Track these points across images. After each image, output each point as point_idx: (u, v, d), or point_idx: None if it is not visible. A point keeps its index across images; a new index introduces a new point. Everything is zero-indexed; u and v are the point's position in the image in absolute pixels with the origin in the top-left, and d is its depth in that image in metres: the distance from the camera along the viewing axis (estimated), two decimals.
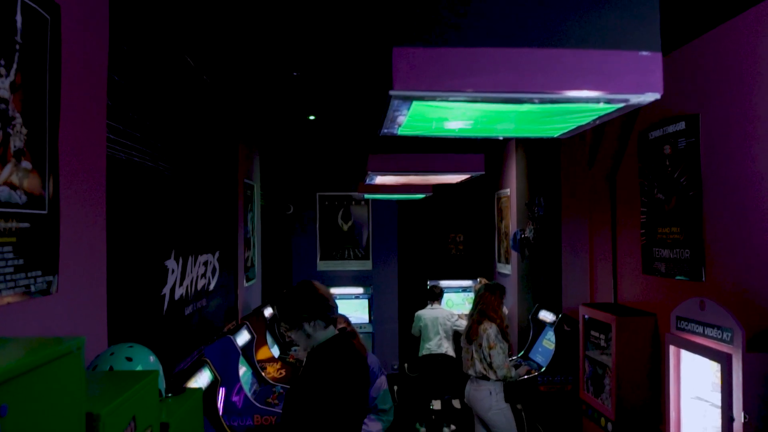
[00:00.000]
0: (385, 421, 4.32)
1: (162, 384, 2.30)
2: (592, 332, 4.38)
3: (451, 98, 1.64)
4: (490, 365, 4.92)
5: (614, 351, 3.99)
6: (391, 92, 1.62)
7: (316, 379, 2.88)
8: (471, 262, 8.58)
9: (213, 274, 4.67)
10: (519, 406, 5.38)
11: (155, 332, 3.30)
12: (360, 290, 8.23)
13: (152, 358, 2.27)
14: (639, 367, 3.98)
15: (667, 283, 3.91)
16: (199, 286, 4.28)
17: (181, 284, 3.78)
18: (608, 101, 1.72)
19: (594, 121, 2.03)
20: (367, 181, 4.65)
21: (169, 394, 2.32)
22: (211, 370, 3.59)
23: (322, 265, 8.48)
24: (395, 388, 8.42)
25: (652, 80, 1.68)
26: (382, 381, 4.35)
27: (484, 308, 5.05)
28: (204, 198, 4.47)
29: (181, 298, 3.80)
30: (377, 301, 8.47)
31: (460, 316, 7.40)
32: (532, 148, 6.81)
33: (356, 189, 6.81)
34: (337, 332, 3.05)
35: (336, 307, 3.11)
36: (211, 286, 4.62)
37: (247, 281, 6.23)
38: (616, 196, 4.70)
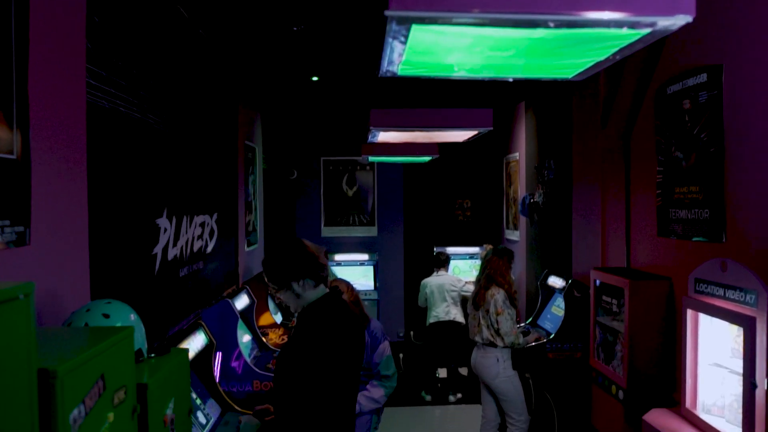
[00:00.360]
0: (388, 387, 4.19)
1: (143, 344, 2.14)
2: (604, 297, 4.21)
3: (454, 20, 1.44)
4: (497, 332, 4.78)
5: (627, 316, 3.82)
6: (387, 12, 1.43)
7: (305, 340, 2.73)
8: (478, 229, 8.41)
9: (211, 237, 4.52)
10: (527, 376, 5.24)
11: (146, 292, 3.15)
12: (365, 257, 8.08)
13: (133, 316, 2.11)
14: (652, 333, 3.81)
15: (683, 245, 3.72)
16: (196, 248, 4.12)
17: (174, 245, 3.62)
18: (632, 25, 1.52)
19: (614, 55, 1.82)
20: (370, 139, 4.45)
21: (152, 355, 2.17)
22: (206, 333, 3.45)
23: (327, 231, 8.33)
24: (400, 356, 8.31)
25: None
26: (385, 346, 4.20)
27: (491, 273, 4.89)
28: (200, 157, 4.30)
29: (175, 258, 3.64)
30: (383, 268, 8.33)
31: (467, 283, 7.25)
32: (542, 108, 6.58)
33: (360, 152, 6.62)
34: (328, 291, 2.90)
35: (326, 265, 2.95)
36: (209, 249, 4.47)
37: (248, 246, 6.08)
38: (630, 157, 4.49)
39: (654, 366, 3.81)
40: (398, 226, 8.50)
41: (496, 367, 4.84)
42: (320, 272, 2.87)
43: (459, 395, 7.39)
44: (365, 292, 7.78)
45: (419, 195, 8.61)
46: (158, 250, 3.33)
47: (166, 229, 3.45)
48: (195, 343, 3.26)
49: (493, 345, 4.83)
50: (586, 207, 5.31)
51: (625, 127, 4.54)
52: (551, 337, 5.06)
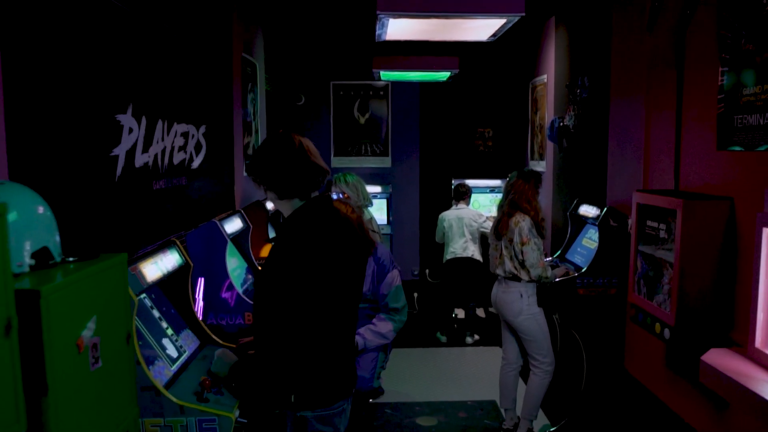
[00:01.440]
0: (398, 321, 3.67)
1: (52, 242, 1.61)
2: (649, 223, 3.63)
3: None
4: (521, 264, 4.23)
5: (678, 243, 3.24)
6: None
7: (284, 252, 2.21)
8: (500, 160, 7.78)
9: (197, 151, 3.96)
10: (556, 317, 4.70)
11: (101, 200, 2.61)
12: (378, 189, 7.52)
13: (42, 208, 1.58)
14: (708, 263, 3.23)
15: (750, 158, 3.11)
16: (177, 160, 3.58)
17: (145, 150, 3.07)
18: None
19: None
20: (378, 32, 3.82)
21: (70, 258, 1.64)
22: (181, 253, 2.92)
23: (337, 162, 7.75)
24: (415, 295, 7.83)
25: None
26: (394, 276, 3.67)
27: (515, 198, 4.31)
28: (180, 59, 3.70)
29: (146, 167, 3.10)
30: (396, 202, 7.77)
31: (488, 218, 6.69)
32: (576, 21, 5.88)
33: (372, 75, 5.99)
34: (318, 195, 2.38)
35: (324, 169, 2.43)
36: (195, 164, 3.92)
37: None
38: (684, 61, 3.83)
39: (708, 301, 3.24)
40: (414, 156, 7.90)
41: (520, 303, 4.31)
42: (313, 174, 2.35)
43: (476, 337, 6.92)
44: (380, 226, 7.24)
45: (436, 123, 7.97)
46: (120, 152, 2.78)
47: (131, 130, 2.89)
48: (165, 263, 2.73)
49: (516, 279, 4.29)
50: (624, 126, 4.67)
51: (677, 27, 3.87)
52: (583, 271, 4.50)
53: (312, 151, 2.38)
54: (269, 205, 5.48)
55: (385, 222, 7.37)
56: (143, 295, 2.68)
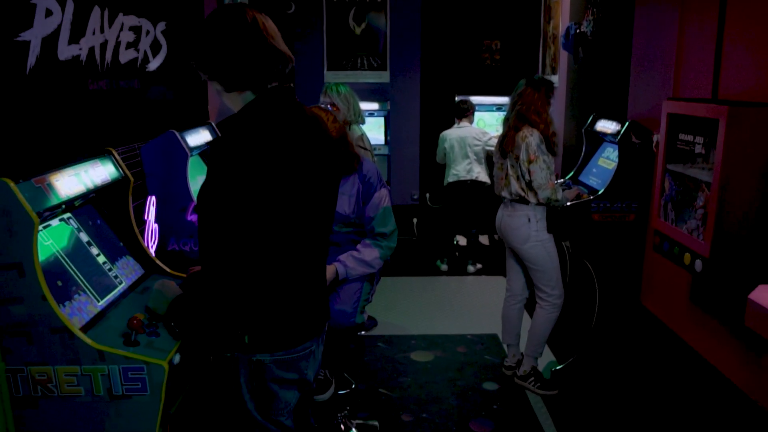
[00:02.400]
0: (385, 247, 3.18)
1: None
2: (682, 137, 3.08)
3: None
4: (529, 184, 3.71)
5: (720, 158, 2.71)
6: None
7: (227, 156, 1.71)
8: (509, 75, 7.13)
9: (155, 52, 3.40)
10: (566, 244, 4.22)
11: (4, 96, 2.08)
12: (375, 106, 6.92)
13: None
14: (753, 182, 2.71)
15: None
16: (125, 59, 3.02)
17: (74, 41, 2.52)
18: None
19: None
20: None
21: None
22: (117, 165, 2.41)
23: (331, 76, 7.13)
24: (414, 221, 7.35)
25: None
26: (382, 196, 3.16)
27: (523, 110, 3.75)
28: None
29: (77, 62, 2.55)
30: (395, 120, 7.18)
31: (495, 137, 6.13)
32: None
33: None
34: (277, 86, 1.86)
35: (287, 55, 1.90)
36: (152, 66, 3.36)
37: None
38: None
39: (753, 228, 2.73)
40: (414, 70, 7.26)
41: (527, 228, 3.81)
42: (270, 59, 1.82)
43: (479, 265, 6.47)
44: (375, 147, 6.69)
45: (440, 34, 7.28)
46: (32, 38, 2.23)
47: (50, 12, 2.33)
48: (92, 176, 2.22)
49: (523, 201, 3.78)
50: (651, 29, 4.06)
51: None
52: (599, 194, 3.98)
53: (270, 30, 1.83)
54: None
55: (382, 142, 6.81)
56: (68, 215, 2.19)
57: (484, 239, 7.02)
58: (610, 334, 4.20)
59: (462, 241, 6.83)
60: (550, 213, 3.84)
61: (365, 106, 6.82)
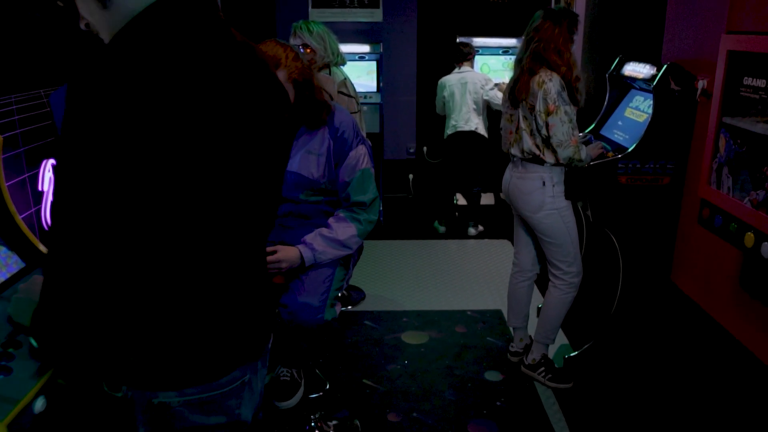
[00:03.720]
0: (364, 222, 2.51)
1: None
2: (747, 81, 2.39)
3: None
4: (546, 141, 3.04)
5: None
6: None
7: (92, 101, 1.03)
8: (518, 13, 6.35)
9: None
10: (587, 213, 3.56)
11: None
12: (366, 48, 6.16)
13: None
14: None
15: None
16: None
17: None
18: None
19: None
20: None
21: None
22: None
23: (316, 14, 6.34)
24: (410, 177, 6.68)
25: None
26: (359, 155, 2.48)
27: (540, 48, 3.06)
28: None
29: None
30: (389, 64, 6.43)
31: (499, 88, 5.44)
32: None
33: None
34: None
35: None
36: None
37: None
38: None
39: None
40: (411, 8, 6.46)
41: (541, 194, 3.16)
42: None
43: (481, 228, 5.84)
44: (366, 95, 5.98)
45: None
46: None
47: None
48: None
49: (537, 161, 3.12)
50: None
51: None
52: (628, 152, 3.30)
53: None
54: None
55: (374, 89, 6.08)
56: None
57: (487, 198, 6.36)
58: (635, 316, 3.58)
59: (462, 200, 6.18)
60: (570, 176, 3.18)
61: (355, 48, 6.09)
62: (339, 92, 3.87)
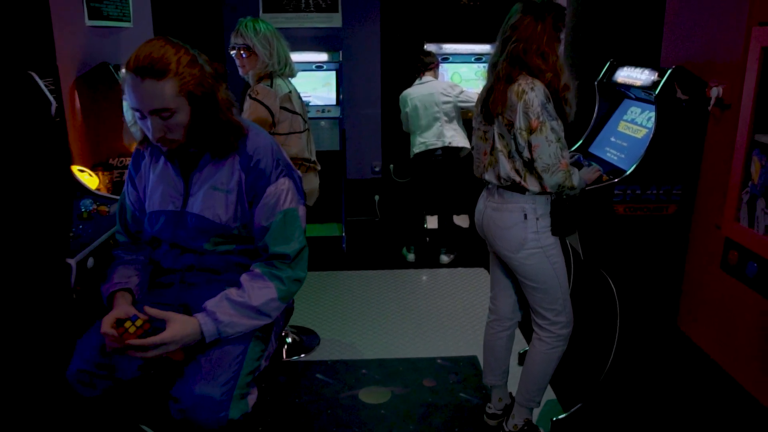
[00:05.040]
0: (287, 281, 1.81)
1: None
2: None
3: None
4: (529, 164, 2.45)
5: None
6: None
7: None
8: (491, 16, 5.78)
9: None
10: (576, 247, 2.96)
11: None
12: (323, 57, 5.54)
13: None
14: None
15: None
16: None
17: None
18: None
19: None
20: None
21: None
22: None
23: (268, 20, 5.69)
24: (376, 198, 6.07)
25: None
26: (280, 191, 1.80)
27: (519, 50, 2.48)
28: None
29: None
30: (350, 74, 5.83)
31: (465, 92, 4.87)
32: None
33: None
34: None
35: None
36: None
37: (96, 18, 3.59)
38: None
39: None
40: (373, 12, 5.86)
41: (522, 229, 2.56)
42: None
43: (453, 255, 5.24)
44: (324, 108, 5.38)
45: None
46: None
47: None
48: None
49: (518, 189, 2.52)
50: None
51: None
52: (626, 175, 2.71)
53: None
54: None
55: (332, 102, 5.46)
56: None
57: (461, 220, 5.76)
58: (636, 370, 2.98)
59: (432, 222, 5.58)
60: (558, 206, 2.59)
61: (311, 56, 5.48)
62: (282, 108, 3.25)
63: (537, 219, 2.56)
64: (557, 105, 2.44)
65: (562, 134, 2.46)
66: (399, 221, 5.92)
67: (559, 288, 2.66)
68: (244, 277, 1.87)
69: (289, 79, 3.44)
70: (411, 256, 5.25)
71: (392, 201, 6.11)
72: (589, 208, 2.72)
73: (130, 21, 3.91)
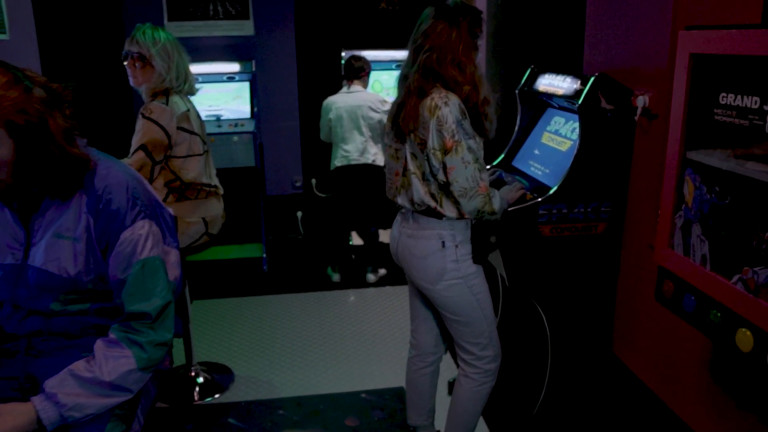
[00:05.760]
0: (148, 346, 1.39)
1: None
2: (724, 99, 1.59)
3: None
4: (445, 187, 2.20)
5: None
6: None
7: None
8: (412, 22, 5.56)
9: None
10: (501, 273, 2.72)
11: None
12: (235, 67, 5.19)
13: None
14: None
15: None
16: None
17: None
18: None
19: None
20: None
21: None
22: None
23: (174, 29, 5.34)
24: (299, 215, 5.75)
25: None
26: (136, 237, 1.38)
27: (432, 60, 2.22)
28: None
29: None
30: (265, 85, 5.50)
31: None
32: None
33: None
34: None
35: None
36: None
37: None
38: None
39: None
40: (287, 18, 5.54)
41: (441, 258, 2.30)
42: None
43: (382, 271, 4.97)
44: (237, 122, 5.03)
45: None
46: None
47: None
48: None
49: (434, 215, 2.27)
50: None
51: None
52: (551, 193, 2.48)
53: None
54: None
55: (247, 115, 5.12)
56: None
57: (387, 235, 5.50)
58: (570, 401, 2.77)
59: (357, 239, 5.30)
60: (479, 232, 2.34)
61: (222, 67, 5.13)
62: (179, 128, 2.90)
63: (456, 246, 2.31)
64: (476, 121, 2.20)
65: (481, 153, 2.22)
66: (323, 238, 5.62)
67: (484, 320, 2.42)
68: (97, 345, 1.54)
69: (188, 96, 3.09)
70: (336, 276, 4.96)
71: (316, 217, 5.80)
72: (512, 230, 2.49)
73: (5, 32, 3.49)
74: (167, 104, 2.86)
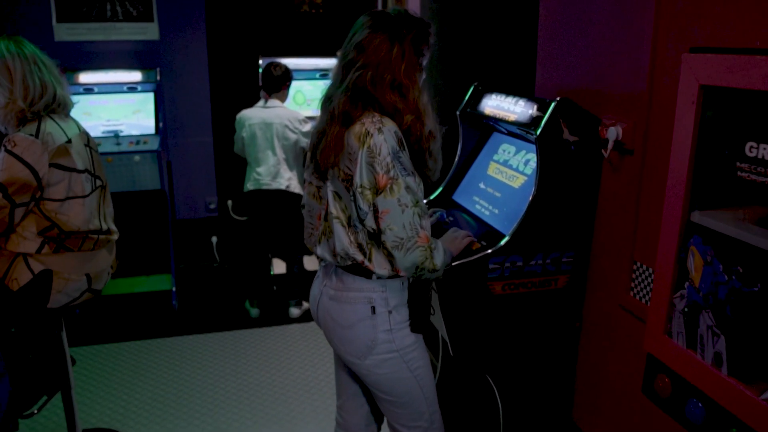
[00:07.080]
0: None
1: None
2: (752, 151, 1.17)
3: None
4: (376, 236, 1.72)
5: None
6: None
7: None
8: (337, 27, 5.07)
9: None
10: (443, 338, 2.27)
11: None
12: (137, 76, 4.58)
13: None
14: None
15: None
16: None
17: None
18: None
19: None
20: None
21: None
22: None
23: (65, 32, 4.68)
24: (214, 240, 5.19)
25: None
26: None
27: (365, 80, 1.74)
28: None
29: None
30: (173, 97, 4.91)
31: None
32: None
33: None
34: None
35: None
36: None
37: None
38: None
39: None
40: (197, 21, 4.97)
41: (370, 328, 1.84)
42: None
43: (306, 305, 4.47)
44: (139, 139, 4.43)
45: None
46: None
47: None
48: None
49: (362, 272, 1.79)
50: None
51: None
52: (503, 243, 2.04)
53: None
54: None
55: (151, 131, 4.52)
56: None
57: (311, 263, 5.00)
58: None
59: (280, 268, 4.78)
60: (417, 294, 1.88)
61: (121, 76, 4.51)
62: (54, 165, 2.30)
63: (389, 312, 1.84)
64: (417, 158, 1.74)
65: (421, 195, 1.76)
66: (241, 266, 5.07)
67: (424, 400, 1.96)
68: None
69: (72, 117, 2.50)
70: (255, 311, 4.42)
71: (233, 242, 5.24)
72: (457, 289, 2.04)
73: None
74: (38, 135, 2.27)
